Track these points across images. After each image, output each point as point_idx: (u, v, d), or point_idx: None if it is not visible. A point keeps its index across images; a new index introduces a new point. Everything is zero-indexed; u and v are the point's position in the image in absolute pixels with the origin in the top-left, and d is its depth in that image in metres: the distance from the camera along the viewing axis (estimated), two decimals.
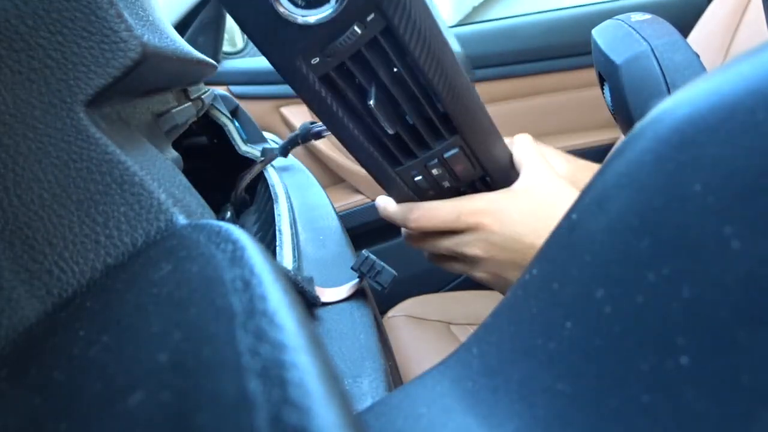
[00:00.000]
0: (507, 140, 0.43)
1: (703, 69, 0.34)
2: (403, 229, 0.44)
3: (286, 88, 1.14)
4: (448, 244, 0.40)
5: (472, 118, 0.34)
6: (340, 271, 0.34)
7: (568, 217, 0.15)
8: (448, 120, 0.34)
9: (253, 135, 0.64)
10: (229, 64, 1.16)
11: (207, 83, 0.57)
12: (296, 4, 0.25)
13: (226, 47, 1.20)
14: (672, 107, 0.13)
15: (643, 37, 0.35)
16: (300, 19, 0.25)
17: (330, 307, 0.30)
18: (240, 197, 0.58)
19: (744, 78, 0.11)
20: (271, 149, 0.55)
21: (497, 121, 0.39)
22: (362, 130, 0.32)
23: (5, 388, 0.14)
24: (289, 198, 0.45)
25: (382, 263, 0.31)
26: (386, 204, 0.42)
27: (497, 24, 1.21)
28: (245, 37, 1.21)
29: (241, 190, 0.57)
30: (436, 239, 0.41)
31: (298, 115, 1.15)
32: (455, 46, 0.31)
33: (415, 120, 0.33)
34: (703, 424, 0.10)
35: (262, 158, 0.55)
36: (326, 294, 0.30)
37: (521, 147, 0.42)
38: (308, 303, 0.29)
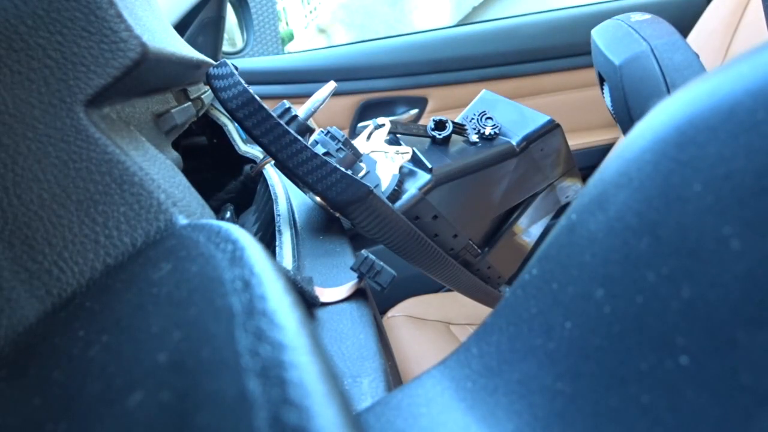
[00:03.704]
0: None
1: (702, 69, 0.34)
2: None
3: (285, 88, 1.15)
4: None
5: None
6: (339, 272, 0.34)
7: (568, 217, 0.15)
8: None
9: None
10: None
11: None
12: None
13: (226, 47, 1.20)
14: (672, 107, 0.13)
15: (642, 37, 0.35)
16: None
17: (330, 307, 0.30)
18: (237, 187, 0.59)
19: (743, 78, 0.11)
20: None
21: None
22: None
23: (5, 388, 0.14)
24: (288, 198, 0.45)
25: (381, 263, 0.31)
26: None
27: (497, 24, 1.21)
28: (245, 36, 1.21)
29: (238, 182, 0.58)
30: None
31: None
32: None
33: None
34: (703, 423, 0.10)
35: (263, 158, 0.55)
36: (325, 294, 0.30)
37: None
38: (307, 303, 0.29)
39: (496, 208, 0.42)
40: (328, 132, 0.30)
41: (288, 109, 0.30)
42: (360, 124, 1.14)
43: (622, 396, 0.12)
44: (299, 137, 0.27)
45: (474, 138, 0.37)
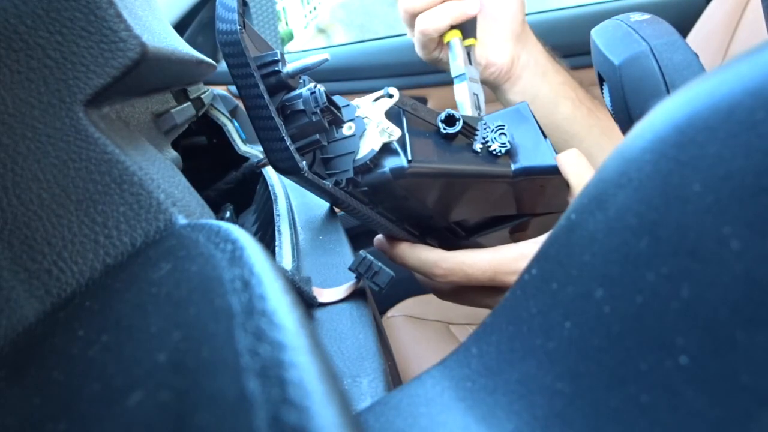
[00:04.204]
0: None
1: (702, 69, 0.34)
2: (419, 276, 0.39)
3: None
4: (488, 302, 0.37)
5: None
6: (338, 272, 0.34)
7: (567, 216, 0.15)
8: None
9: (253, 135, 0.64)
10: None
11: (206, 83, 0.57)
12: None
13: None
14: (671, 107, 0.13)
15: (642, 37, 0.35)
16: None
17: (329, 307, 0.30)
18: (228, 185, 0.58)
19: (743, 78, 0.11)
20: None
21: None
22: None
23: (4, 388, 0.14)
24: (288, 198, 0.45)
25: (379, 264, 0.31)
26: (396, 246, 0.37)
27: None
28: None
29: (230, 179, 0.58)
30: (472, 295, 0.38)
31: None
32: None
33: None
34: (703, 423, 0.10)
35: (263, 159, 0.55)
36: (324, 294, 0.30)
37: (575, 173, 0.35)
38: (306, 303, 0.29)
39: (488, 211, 0.41)
40: (314, 92, 0.28)
41: (275, 62, 0.28)
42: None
43: (621, 396, 0.12)
44: (265, 94, 0.27)
45: (477, 147, 0.35)
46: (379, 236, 0.39)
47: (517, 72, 0.55)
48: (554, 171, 0.36)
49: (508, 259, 0.34)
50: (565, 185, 0.36)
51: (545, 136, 0.38)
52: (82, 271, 0.18)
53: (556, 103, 0.55)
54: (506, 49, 0.53)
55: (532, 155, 0.37)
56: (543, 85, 0.55)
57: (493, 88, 0.57)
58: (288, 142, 0.27)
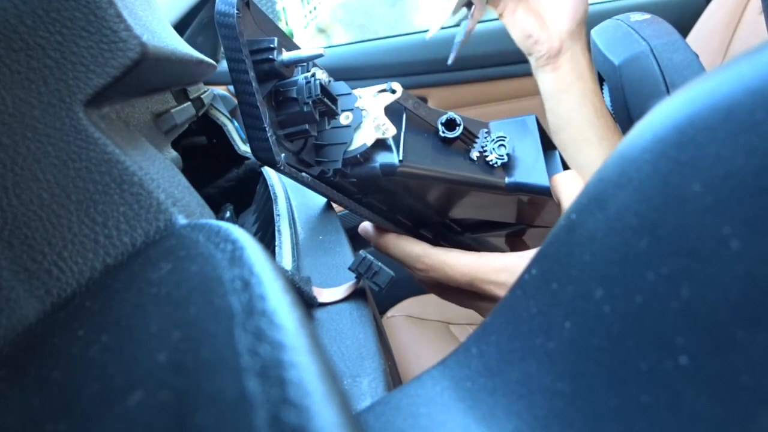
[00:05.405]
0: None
1: (702, 69, 0.34)
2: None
3: None
4: (467, 303, 0.37)
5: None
6: (338, 272, 0.34)
7: (567, 217, 0.15)
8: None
9: None
10: None
11: (206, 83, 0.57)
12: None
13: None
14: (671, 107, 0.13)
15: (642, 37, 0.35)
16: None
17: (329, 307, 0.30)
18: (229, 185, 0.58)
19: (743, 78, 0.11)
20: None
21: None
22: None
23: (5, 388, 0.14)
24: (288, 198, 0.45)
25: (379, 264, 0.31)
26: (382, 235, 0.37)
27: (497, 24, 1.21)
28: None
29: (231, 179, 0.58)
30: (453, 293, 0.38)
31: None
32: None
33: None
34: (702, 423, 0.10)
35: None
36: (324, 294, 0.30)
37: (568, 196, 0.34)
38: (306, 303, 0.29)
39: (485, 215, 0.40)
40: (309, 82, 0.28)
41: (269, 49, 0.28)
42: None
43: (621, 396, 0.12)
44: (253, 82, 0.26)
45: (474, 155, 0.34)
46: (365, 223, 0.38)
47: (559, 62, 0.55)
48: (546, 192, 0.36)
49: (490, 268, 0.34)
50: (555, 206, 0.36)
51: (554, 148, 0.38)
52: (82, 271, 0.18)
53: (583, 104, 0.56)
54: (559, 35, 0.54)
55: (527, 172, 0.36)
56: (577, 83, 0.56)
57: (534, 65, 0.58)
58: (269, 133, 0.26)
